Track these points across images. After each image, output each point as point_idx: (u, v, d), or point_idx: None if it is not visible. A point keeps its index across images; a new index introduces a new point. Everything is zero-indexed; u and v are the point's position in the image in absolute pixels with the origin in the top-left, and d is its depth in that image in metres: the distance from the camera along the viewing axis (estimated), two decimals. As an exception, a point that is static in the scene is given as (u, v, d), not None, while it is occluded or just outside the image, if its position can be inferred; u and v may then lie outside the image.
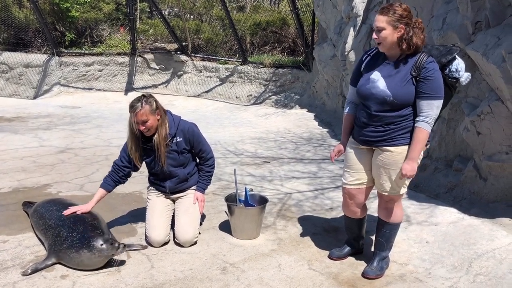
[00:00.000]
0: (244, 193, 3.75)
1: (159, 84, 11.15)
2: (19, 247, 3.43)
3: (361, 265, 3.25)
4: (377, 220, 3.17)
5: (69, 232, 3.15)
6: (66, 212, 3.32)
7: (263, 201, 3.72)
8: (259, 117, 8.72)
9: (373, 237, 3.38)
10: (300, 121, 7.98)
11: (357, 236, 3.34)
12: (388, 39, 2.72)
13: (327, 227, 3.89)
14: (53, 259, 3.15)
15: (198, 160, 3.68)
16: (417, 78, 2.70)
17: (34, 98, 10.40)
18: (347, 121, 3.16)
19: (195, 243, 3.52)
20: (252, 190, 3.90)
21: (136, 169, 3.55)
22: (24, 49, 10.96)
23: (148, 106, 3.24)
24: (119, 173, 3.49)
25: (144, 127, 3.26)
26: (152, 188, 3.68)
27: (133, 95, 10.79)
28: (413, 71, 2.71)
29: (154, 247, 3.46)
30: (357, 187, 3.08)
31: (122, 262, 3.19)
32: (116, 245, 3.06)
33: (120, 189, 4.66)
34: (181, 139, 3.45)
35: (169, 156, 3.43)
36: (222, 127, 7.91)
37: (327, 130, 7.37)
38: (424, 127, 2.72)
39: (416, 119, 2.76)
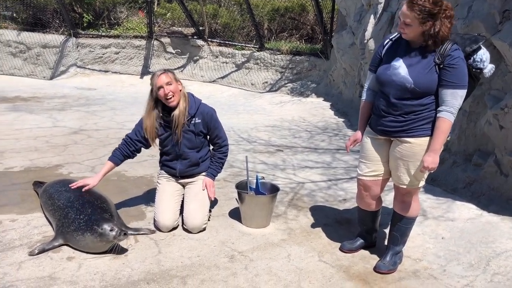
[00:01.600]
0: (255, 180, 3.67)
1: (175, 69, 11.07)
2: (28, 226, 3.41)
3: (373, 259, 3.15)
4: (392, 213, 3.06)
5: (77, 214, 3.11)
6: (73, 186, 3.30)
7: (274, 189, 3.63)
8: (274, 104, 8.60)
9: (387, 230, 3.28)
10: (316, 110, 7.84)
11: (370, 229, 3.24)
12: (413, 32, 2.59)
13: (339, 219, 3.79)
14: (60, 240, 3.12)
15: (212, 147, 3.61)
16: (441, 66, 2.57)
17: (51, 78, 10.44)
18: (364, 109, 3.04)
19: (204, 229, 3.46)
20: (263, 178, 3.81)
21: (148, 146, 3.51)
22: (42, 29, 10.97)
23: (170, 73, 3.27)
24: (131, 147, 3.45)
25: (168, 91, 3.20)
26: (163, 171, 3.62)
27: (149, 79, 10.75)
28: (436, 58, 2.57)
29: (162, 232, 3.41)
30: (373, 178, 2.97)
31: (123, 250, 3.11)
32: (115, 232, 2.95)
33: (131, 172, 4.65)
34: (200, 121, 3.39)
35: (185, 136, 3.39)
36: (236, 114, 7.83)
37: (343, 120, 7.22)
38: (448, 117, 2.59)
39: (439, 108, 2.62)
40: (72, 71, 10.58)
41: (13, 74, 10.70)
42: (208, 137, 3.55)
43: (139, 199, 4.03)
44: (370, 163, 2.96)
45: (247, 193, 3.57)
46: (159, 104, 3.33)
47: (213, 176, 3.59)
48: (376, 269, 2.99)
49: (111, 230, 2.97)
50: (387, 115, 2.78)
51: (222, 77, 10.47)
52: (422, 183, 2.88)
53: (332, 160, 5.33)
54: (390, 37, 2.87)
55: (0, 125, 6.34)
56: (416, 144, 2.71)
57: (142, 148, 3.53)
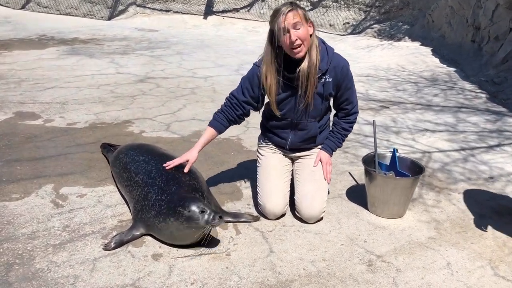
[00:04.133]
0: (391, 155, 2.75)
1: (241, 8, 10.01)
2: (99, 205, 2.70)
3: None
4: None
5: (158, 195, 2.35)
6: (169, 165, 2.50)
7: (415, 168, 2.70)
8: (359, 49, 7.46)
9: None
10: (415, 56, 6.64)
11: None
12: None
13: (497, 207, 2.84)
14: (141, 229, 2.39)
15: (335, 112, 2.69)
16: None
17: (109, 19, 9.70)
18: None
19: (321, 218, 2.62)
20: (397, 151, 2.87)
21: (259, 107, 2.63)
22: (99, -36, 10.13)
23: (299, 9, 2.27)
24: (238, 111, 2.57)
25: (295, 37, 2.24)
26: (265, 139, 2.76)
27: (213, 19, 9.81)
28: None
29: (269, 219, 2.61)
30: None
31: (209, 243, 2.36)
32: (207, 214, 2.18)
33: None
34: (331, 79, 2.45)
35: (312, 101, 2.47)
36: (317, 60, 6.78)
37: (454, 69, 6.01)
38: None
39: None
40: (132, 11, 9.77)
41: (70, 14, 10.06)
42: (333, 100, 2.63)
43: (229, 170, 3.23)
44: None
45: (383, 173, 2.66)
46: (280, 52, 2.38)
47: (331, 150, 2.70)
48: None
49: (201, 212, 2.19)
50: None
51: (295, 18, 9.32)
52: None
53: (456, 121, 4.28)
54: None
55: (60, 71, 5.68)
56: None
57: (251, 111, 2.65)
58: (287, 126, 2.60)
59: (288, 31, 2.25)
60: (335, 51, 2.49)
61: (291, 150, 2.70)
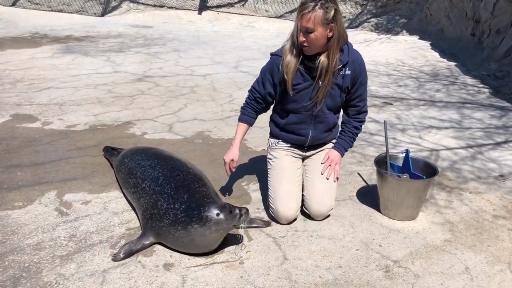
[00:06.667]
0: (403, 155, 2.70)
1: (236, 3, 9.89)
2: (105, 212, 2.62)
3: None
4: None
5: (169, 203, 2.27)
6: (227, 171, 2.62)
7: (428, 169, 2.65)
8: (357, 44, 7.37)
9: None
10: (414, 50, 6.58)
11: None
12: None
13: (510, 207, 2.79)
14: (151, 238, 2.32)
15: (346, 111, 2.65)
16: None
17: (102, 15, 9.54)
18: None
19: (328, 215, 2.59)
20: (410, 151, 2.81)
21: (277, 98, 2.61)
22: (90, -41, 9.95)
23: (322, 11, 2.21)
24: (262, 104, 2.62)
25: (304, 39, 2.27)
26: (279, 141, 2.69)
27: (207, 14, 9.68)
28: None
29: (281, 223, 2.56)
30: None
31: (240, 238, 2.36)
32: (237, 212, 2.18)
33: (216, 132, 3.84)
34: (349, 72, 2.43)
35: (329, 92, 2.43)
36: (315, 55, 6.71)
37: (454, 63, 5.96)
38: None
39: None
40: (125, 7, 9.62)
41: (62, 11, 9.88)
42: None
43: (236, 172, 3.13)
44: None
45: (398, 175, 2.60)
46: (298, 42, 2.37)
47: (343, 150, 2.66)
48: None
49: (230, 212, 2.17)
50: None
51: (291, 11, 9.22)
52: None
53: (461, 117, 4.23)
54: None
55: (55, 70, 5.56)
56: None
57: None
58: (305, 120, 2.55)
59: (300, 31, 2.26)
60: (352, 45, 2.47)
61: (309, 147, 2.65)
